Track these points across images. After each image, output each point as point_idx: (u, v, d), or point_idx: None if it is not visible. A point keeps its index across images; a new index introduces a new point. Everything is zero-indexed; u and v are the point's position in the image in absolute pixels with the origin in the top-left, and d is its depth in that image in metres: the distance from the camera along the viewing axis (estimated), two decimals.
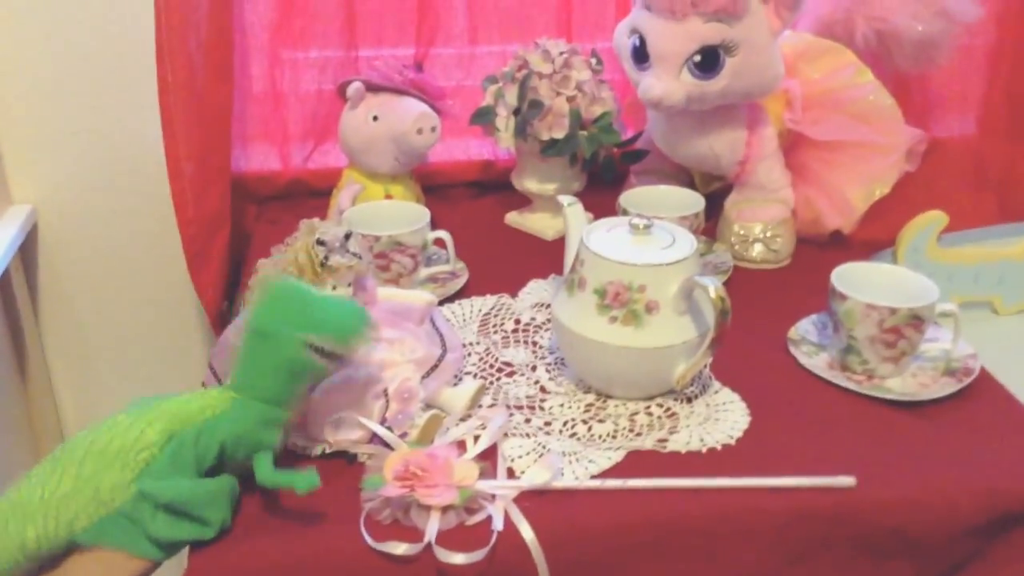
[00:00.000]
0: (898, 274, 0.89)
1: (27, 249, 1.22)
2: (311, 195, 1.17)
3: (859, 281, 0.87)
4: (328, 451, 0.75)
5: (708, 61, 0.98)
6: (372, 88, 1.05)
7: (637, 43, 1.01)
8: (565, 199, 0.89)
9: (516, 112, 1.06)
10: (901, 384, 0.84)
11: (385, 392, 0.76)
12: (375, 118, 1.04)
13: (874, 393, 0.83)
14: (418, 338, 0.82)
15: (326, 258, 0.78)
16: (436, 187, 1.20)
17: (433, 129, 1.04)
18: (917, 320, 0.82)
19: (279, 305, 0.70)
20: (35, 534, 0.65)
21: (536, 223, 1.13)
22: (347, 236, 0.80)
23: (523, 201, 1.15)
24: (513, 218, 1.15)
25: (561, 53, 1.06)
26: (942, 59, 1.12)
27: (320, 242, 0.79)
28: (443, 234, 0.98)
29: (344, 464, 0.75)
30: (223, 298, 1.12)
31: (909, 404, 0.82)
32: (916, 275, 0.88)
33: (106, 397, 1.33)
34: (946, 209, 1.17)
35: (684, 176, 1.17)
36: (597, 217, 0.97)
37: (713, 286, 0.76)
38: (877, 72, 1.10)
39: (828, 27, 1.11)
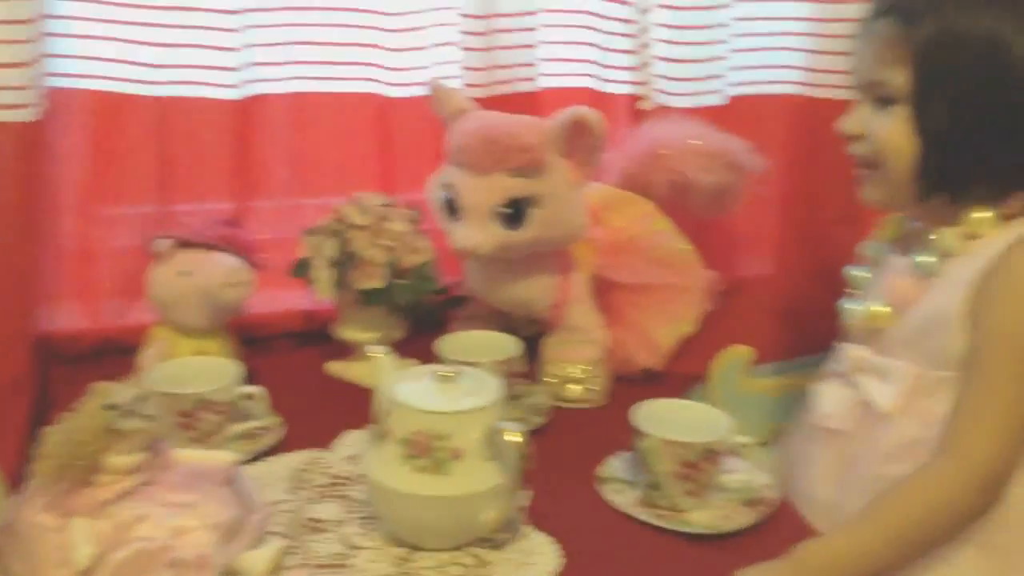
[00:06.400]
0: (697, 409, 0.93)
1: None
2: (123, 354, 1.13)
3: (662, 417, 0.90)
4: None
5: (515, 213, 1.03)
6: (183, 244, 1.05)
7: (448, 196, 1.06)
8: (375, 349, 0.90)
9: (335, 263, 1.08)
10: (703, 517, 0.87)
11: (178, 561, 0.73)
12: (185, 274, 1.03)
13: (678, 528, 0.85)
14: (219, 501, 0.80)
15: (117, 422, 0.76)
16: (258, 339, 1.19)
17: (244, 283, 1.04)
18: (712, 453, 0.86)
19: None
20: None
21: (358, 372, 1.12)
22: (141, 398, 0.78)
23: (346, 351, 1.15)
24: (335, 368, 1.15)
25: (378, 206, 1.09)
26: (733, 205, 1.21)
27: (110, 406, 0.76)
28: (254, 389, 0.96)
29: None
30: (25, 468, 1.05)
31: (712, 537, 0.84)
32: (712, 409, 0.92)
33: None
34: (755, 343, 1.24)
35: (505, 320, 1.20)
36: (425, 363, 0.98)
37: (512, 431, 0.78)
38: (678, 218, 1.18)
39: (630, 179, 1.19)
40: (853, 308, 0.94)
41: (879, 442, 0.88)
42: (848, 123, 0.90)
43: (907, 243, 0.94)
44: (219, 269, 1.03)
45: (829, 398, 0.94)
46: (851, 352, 0.93)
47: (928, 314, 0.86)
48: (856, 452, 0.90)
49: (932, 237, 0.87)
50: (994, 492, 0.80)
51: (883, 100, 0.86)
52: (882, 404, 0.88)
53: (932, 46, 0.82)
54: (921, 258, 0.87)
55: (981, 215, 0.84)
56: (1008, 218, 0.85)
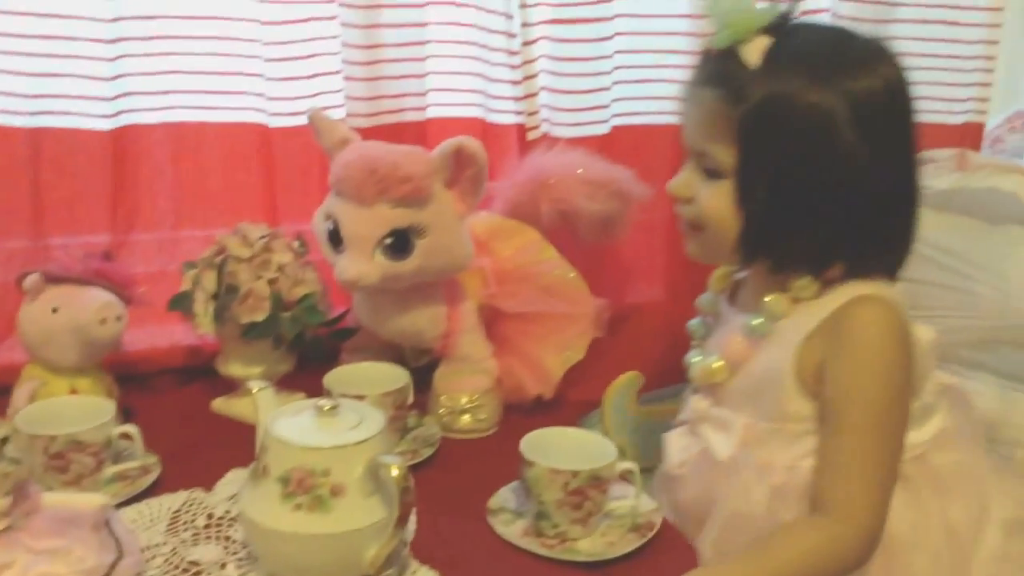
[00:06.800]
0: (585, 437, 0.94)
1: None
2: None
3: (551, 446, 0.90)
4: None
5: (399, 243, 1.02)
6: (53, 279, 1.01)
7: (331, 227, 1.04)
8: (254, 384, 0.88)
9: (215, 296, 1.05)
10: (591, 544, 0.87)
11: None
12: (55, 310, 0.99)
13: (564, 557, 0.85)
14: (89, 546, 0.76)
15: None
16: (139, 376, 1.15)
17: (118, 319, 1.01)
18: (598, 480, 0.86)
19: None
20: None
21: (243, 409, 1.09)
22: (3, 441, 0.74)
23: (232, 387, 1.13)
24: (219, 405, 1.12)
25: (261, 237, 1.07)
26: (621, 233, 1.23)
27: None
28: (130, 428, 0.93)
29: None
30: None
31: (599, 564, 0.85)
32: (598, 437, 0.93)
33: None
34: (645, 369, 1.25)
35: (394, 351, 1.19)
36: (313, 397, 0.96)
37: (392, 464, 0.77)
38: (566, 247, 1.20)
39: (516, 208, 1.19)
40: (694, 361, 0.97)
41: (721, 488, 0.90)
42: (677, 186, 0.91)
43: (736, 293, 0.98)
44: (91, 304, 0.99)
45: (676, 446, 0.97)
46: (694, 403, 0.97)
47: (761, 371, 0.90)
48: (701, 498, 0.92)
49: (764, 300, 0.89)
50: (878, 541, 0.83)
51: (709, 171, 0.87)
52: (720, 453, 0.91)
53: (756, 121, 0.82)
54: (753, 320, 0.90)
55: (802, 281, 0.88)
56: (828, 283, 0.88)
